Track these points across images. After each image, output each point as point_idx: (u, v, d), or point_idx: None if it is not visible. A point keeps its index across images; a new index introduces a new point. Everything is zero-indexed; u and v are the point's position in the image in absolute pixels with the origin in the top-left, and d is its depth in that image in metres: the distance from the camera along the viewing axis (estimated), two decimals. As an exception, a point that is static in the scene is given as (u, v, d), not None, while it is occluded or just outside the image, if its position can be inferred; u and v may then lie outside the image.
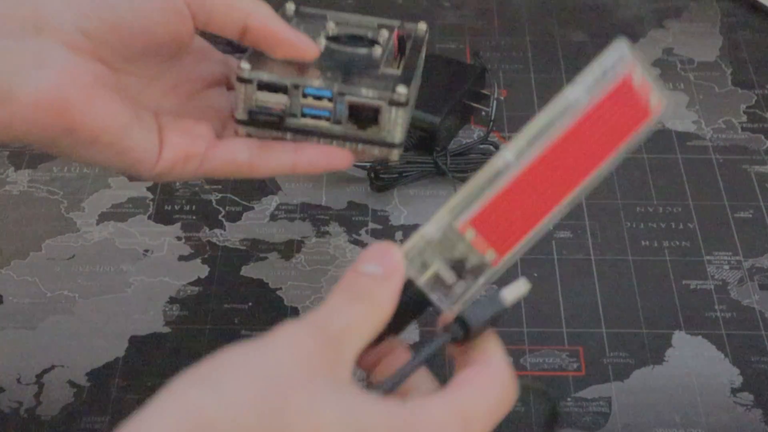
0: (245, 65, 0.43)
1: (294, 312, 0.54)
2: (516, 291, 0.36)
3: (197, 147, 0.43)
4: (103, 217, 0.59)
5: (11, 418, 0.49)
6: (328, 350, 0.32)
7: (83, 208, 0.60)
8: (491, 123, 0.63)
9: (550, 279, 0.55)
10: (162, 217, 0.59)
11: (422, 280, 0.36)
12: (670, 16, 0.75)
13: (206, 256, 0.57)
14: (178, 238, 0.58)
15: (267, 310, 0.54)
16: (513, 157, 0.36)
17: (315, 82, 0.43)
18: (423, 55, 0.48)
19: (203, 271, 0.56)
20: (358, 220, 0.59)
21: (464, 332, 0.35)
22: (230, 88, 0.47)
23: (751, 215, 0.60)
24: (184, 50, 0.44)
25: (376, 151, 0.44)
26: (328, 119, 0.43)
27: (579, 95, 0.39)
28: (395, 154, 0.44)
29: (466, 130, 0.65)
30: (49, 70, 0.39)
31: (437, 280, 0.37)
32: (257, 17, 0.42)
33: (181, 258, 0.57)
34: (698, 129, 0.65)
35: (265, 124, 0.43)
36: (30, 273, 0.56)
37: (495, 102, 0.64)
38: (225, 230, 0.58)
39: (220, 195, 0.60)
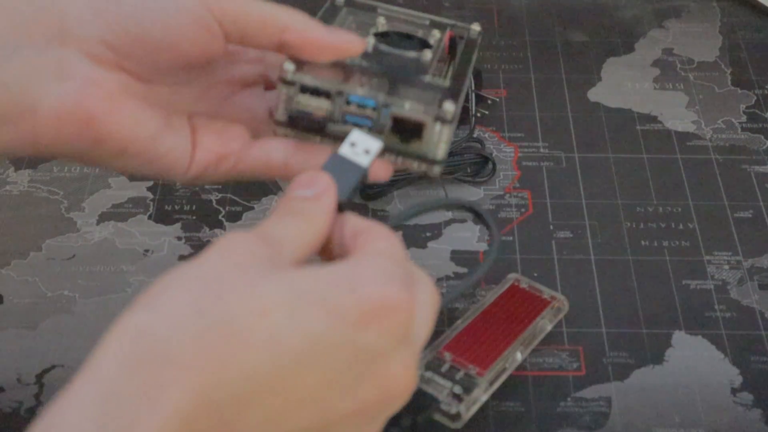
0: (289, 66, 0.41)
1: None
2: (370, 152, 0.39)
3: (231, 148, 0.42)
4: (103, 217, 0.59)
5: (11, 418, 0.49)
6: (265, 249, 0.33)
7: (83, 208, 0.60)
8: (473, 121, 0.63)
9: (550, 279, 0.55)
10: (162, 217, 0.59)
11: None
12: (670, 16, 0.75)
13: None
14: (179, 238, 0.58)
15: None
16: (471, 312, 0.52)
17: (359, 90, 0.41)
18: (474, 58, 0.47)
19: (203, 271, 0.56)
20: (358, 220, 0.59)
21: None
22: (268, 87, 0.45)
23: (751, 215, 0.60)
24: (215, 61, 0.43)
25: (416, 166, 0.42)
26: (370, 128, 0.41)
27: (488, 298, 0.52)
28: (436, 171, 0.42)
29: (465, 131, 0.65)
30: (72, 82, 0.38)
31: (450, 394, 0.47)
32: (294, 30, 0.40)
33: (182, 258, 0.57)
34: (698, 129, 0.65)
35: (305, 128, 0.42)
36: (30, 273, 0.56)
37: (474, 96, 0.64)
38: (225, 230, 0.58)
39: (221, 195, 0.60)
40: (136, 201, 0.60)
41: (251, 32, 0.40)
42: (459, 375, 0.48)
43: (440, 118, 0.40)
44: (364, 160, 0.39)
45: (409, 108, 0.41)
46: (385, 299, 0.32)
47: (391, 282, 0.32)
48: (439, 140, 0.41)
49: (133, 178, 0.61)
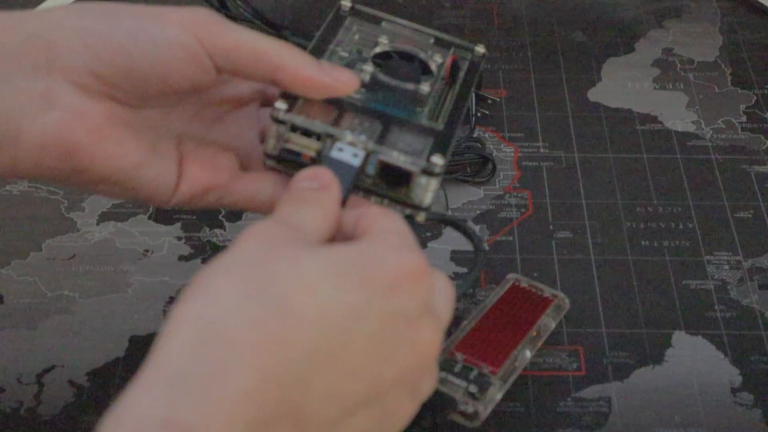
0: (281, 105, 0.41)
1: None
2: (358, 155, 0.41)
3: (218, 180, 0.42)
4: (103, 217, 0.59)
5: (11, 418, 0.49)
6: (292, 233, 0.35)
7: (83, 208, 0.60)
8: (473, 121, 0.63)
9: (550, 279, 0.55)
10: (162, 217, 0.59)
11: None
12: (669, 16, 0.75)
13: (206, 256, 0.57)
14: (178, 238, 0.58)
15: (267, 310, 0.54)
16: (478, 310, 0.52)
17: (348, 136, 0.41)
18: (476, 80, 0.47)
19: (203, 271, 0.56)
20: (358, 220, 0.59)
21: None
22: (265, 104, 0.45)
23: (751, 215, 0.60)
24: (206, 88, 0.42)
25: (402, 211, 0.42)
26: (356, 172, 0.41)
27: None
28: (421, 216, 0.42)
29: (465, 131, 0.65)
30: (57, 112, 0.37)
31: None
32: (286, 69, 0.40)
33: (181, 258, 0.57)
34: (698, 129, 0.65)
35: (294, 166, 0.41)
36: (30, 273, 0.56)
37: (474, 96, 0.64)
38: (225, 230, 0.58)
39: (220, 195, 0.60)
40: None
41: (243, 68, 0.40)
42: (473, 374, 0.48)
43: (427, 172, 0.41)
44: (354, 161, 0.40)
45: (396, 158, 0.41)
46: (406, 266, 0.34)
47: (405, 251, 0.35)
48: (425, 190, 0.42)
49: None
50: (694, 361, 0.52)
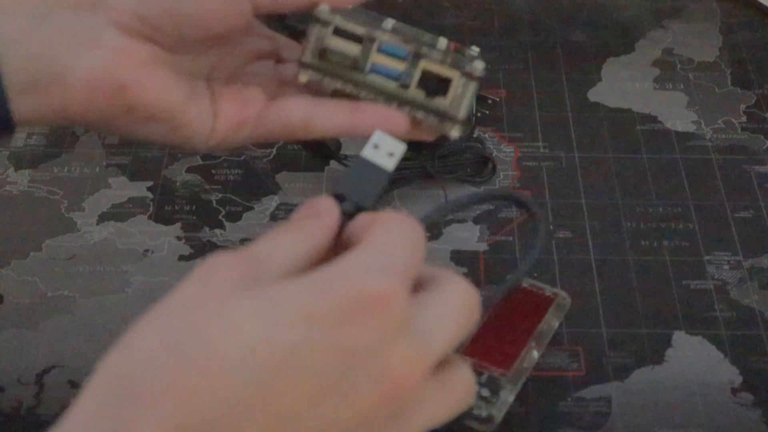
0: (324, 6, 0.41)
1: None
2: (394, 155, 0.37)
3: (249, 111, 0.42)
4: (103, 217, 0.59)
5: (11, 418, 0.49)
6: (246, 268, 0.31)
7: (83, 208, 0.60)
8: (473, 121, 0.63)
9: (550, 279, 0.55)
10: (162, 217, 0.59)
11: None
12: (669, 16, 0.75)
13: (206, 256, 0.57)
14: (178, 238, 0.58)
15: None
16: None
17: (393, 38, 0.41)
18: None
19: (203, 271, 0.56)
20: (358, 220, 0.59)
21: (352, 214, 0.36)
22: (279, 61, 0.46)
23: (751, 215, 0.60)
24: (233, 39, 0.44)
25: (435, 123, 0.42)
26: (396, 80, 0.42)
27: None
28: (456, 131, 0.42)
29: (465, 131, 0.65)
30: (103, 50, 0.38)
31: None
32: None
33: (182, 258, 0.57)
34: (698, 129, 0.65)
35: (336, 66, 0.42)
36: (30, 273, 0.56)
37: (476, 98, 0.64)
38: (225, 230, 0.58)
39: (220, 195, 0.60)
40: (136, 201, 0.60)
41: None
42: (483, 378, 0.48)
43: (468, 74, 0.41)
44: (388, 163, 0.37)
45: (440, 60, 0.41)
46: (363, 292, 0.30)
47: (370, 273, 0.30)
48: (462, 97, 0.41)
49: (134, 177, 0.61)
50: (694, 361, 0.52)
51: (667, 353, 0.52)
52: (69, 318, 0.53)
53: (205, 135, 0.42)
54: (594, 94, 0.68)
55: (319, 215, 0.35)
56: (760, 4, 0.75)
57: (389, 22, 0.43)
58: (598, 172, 0.62)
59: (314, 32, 0.41)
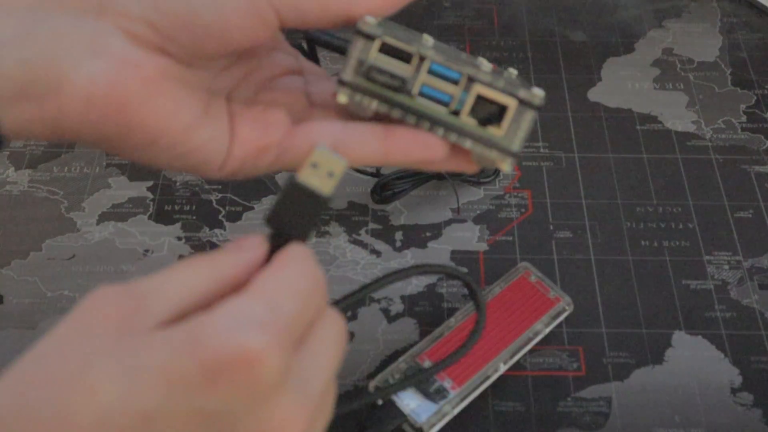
0: (371, 19, 0.36)
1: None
2: (333, 175, 0.33)
3: (271, 137, 0.37)
4: (103, 217, 0.59)
5: (11, 418, 0.49)
6: (128, 306, 0.29)
7: (83, 208, 0.60)
8: None
9: (550, 279, 0.55)
10: (162, 217, 0.59)
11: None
12: (669, 16, 0.75)
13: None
14: (179, 238, 0.58)
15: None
16: (454, 321, 0.52)
17: (440, 57, 0.36)
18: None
19: (203, 271, 0.56)
20: (358, 220, 0.59)
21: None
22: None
23: (751, 215, 0.60)
24: (258, 53, 0.39)
25: (488, 153, 0.37)
26: (446, 105, 0.36)
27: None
28: (508, 165, 0.37)
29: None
30: (107, 60, 0.33)
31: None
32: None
33: (181, 258, 0.57)
34: (698, 129, 0.65)
35: (381, 87, 0.36)
36: (30, 273, 0.56)
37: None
38: (225, 230, 0.58)
39: (221, 195, 0.60)
40: (136, 201, 0.60)
41: (312, 13, 0.36)
42: (433, 387, 0.48)
43: (527, 102, 0.36)
44: (326, 187, 0.33)
45: (496, 84, 0.36)
46: (233, 351, 0.28)
47: (245, 328, 0.28)
48: (519, 128, 0.36)
49: (134, 177, 0.61)
50: (694, 361, 0.52)
51: (667, 353, 0.52)
52: (69, 318, 0.53)
53: (218, 162, 0.37)
54: (594, 94, 0.68)
55: (240, 250, 0.32)
56: (760, 4, 0.75)
57: (429, 39, 0.37)
58: (598, 172, 0.62)
59: (357, 47, 0.36)
